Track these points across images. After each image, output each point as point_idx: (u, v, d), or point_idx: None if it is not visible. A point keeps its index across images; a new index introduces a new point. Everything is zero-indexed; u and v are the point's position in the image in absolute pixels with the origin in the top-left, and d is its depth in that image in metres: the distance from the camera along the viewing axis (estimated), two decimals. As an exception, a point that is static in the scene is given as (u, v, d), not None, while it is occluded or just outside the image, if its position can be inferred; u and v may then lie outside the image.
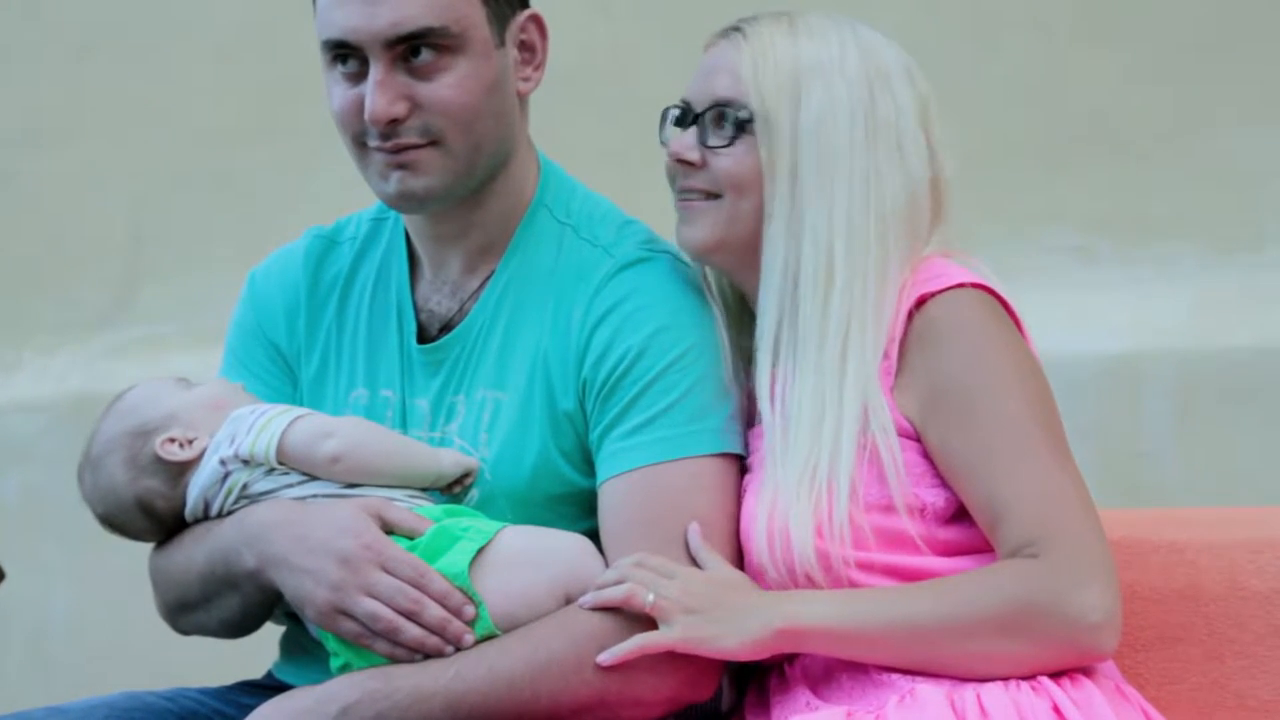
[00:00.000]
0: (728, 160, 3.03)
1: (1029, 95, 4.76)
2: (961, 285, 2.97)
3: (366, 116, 3.03)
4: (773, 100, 3.01)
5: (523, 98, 3.16)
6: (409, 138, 3.05)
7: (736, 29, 3.06)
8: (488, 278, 3.18)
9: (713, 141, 3.04)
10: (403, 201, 3.10)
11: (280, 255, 3.34)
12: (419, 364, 3.18)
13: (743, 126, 3.02)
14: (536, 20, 3.16)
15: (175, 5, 5.52)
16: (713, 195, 3.05)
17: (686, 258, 3.14)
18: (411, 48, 3.02)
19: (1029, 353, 2.99)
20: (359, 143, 3.09)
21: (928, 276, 2.99)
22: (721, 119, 3.03)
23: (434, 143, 3.06)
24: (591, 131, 4.78)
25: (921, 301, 2.97)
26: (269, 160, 5.37)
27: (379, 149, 3.06)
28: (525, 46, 3.15)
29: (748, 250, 3.05)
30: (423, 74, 3.04)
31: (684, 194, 3.07)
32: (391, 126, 3.04)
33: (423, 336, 3.20)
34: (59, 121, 5.60)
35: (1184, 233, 4.67)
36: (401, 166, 3.06)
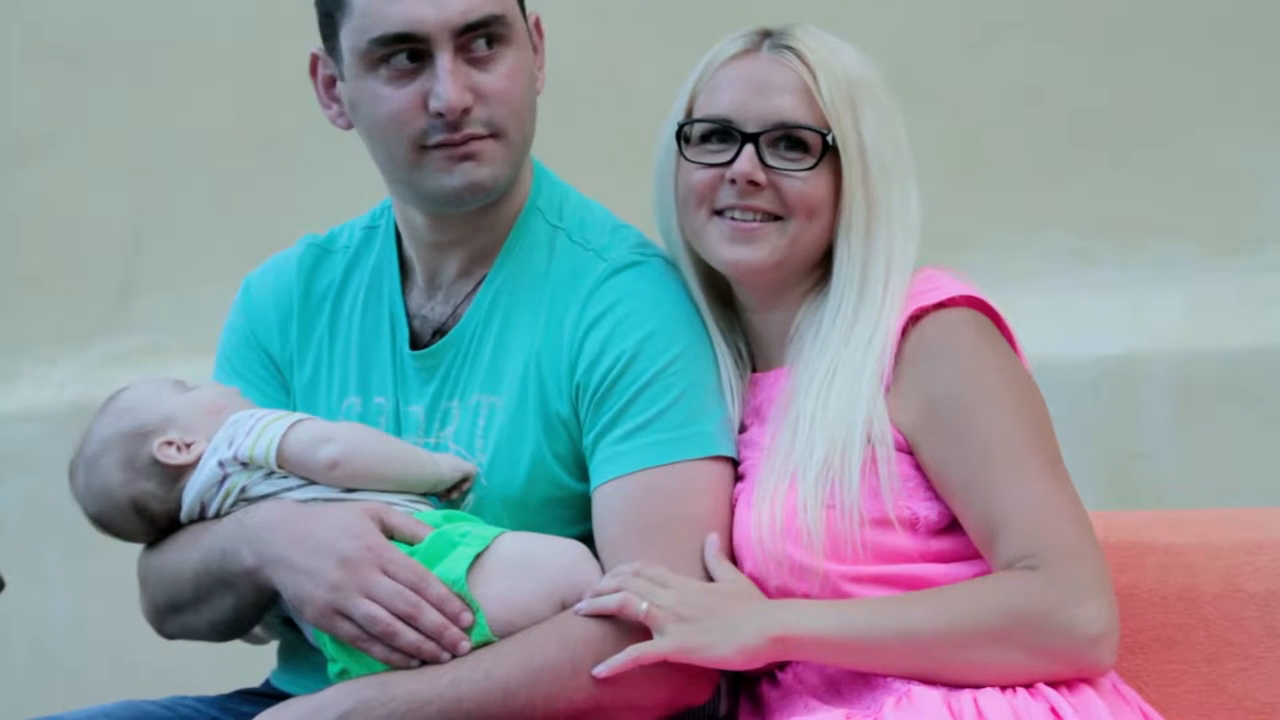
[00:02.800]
0: (803, 184, 2.99)
1: (1027, 98, 4.76)
2: (955, 301, 2.97)
3: (440, 107, 3.01)
4: (847, 121, 2.99)
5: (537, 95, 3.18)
6: (474, 128, 3.05)
7: (786, 46, 3.01)
8: (480, 282, 3.17)
9: (782, 164, 2.99)
10: (469, 193, 3.08)
11: (274, 263, 3.34)
12: (412, 370, 3.18)
13: (821, 149, 2.99)
14: (536, 22, 3.19)
15: (173, 13, 5.51)
16: (775, 216, 3.01)
17: (681, 264, 3.13)
18: (473, 38, 3.03)
19: (1022, 369, 3.00)
20: (417, 146, 3.06)
21: (923, 288, 2.99)
22: (794, 142, 3.00)
23: (494, 135, 3.06)
24: (588, 137, 4.78)
25: (917, 316, 2.96)
26: (268, 168, 5.37)
27: (443, 143, 3.05)
28: (533, 48, 3.17)
29: (800, 268, 3.04)
30: (481, 64, 3.05)
31: (742, 214, 3.01)
32: (463, 116, 3.03)
33: (416, 343, 3.20)
34: (57, 129, 5.60)
35: (1182, 235, 4.67)
36: (467, 158, 3.05)
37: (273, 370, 3.29)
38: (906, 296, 2.99)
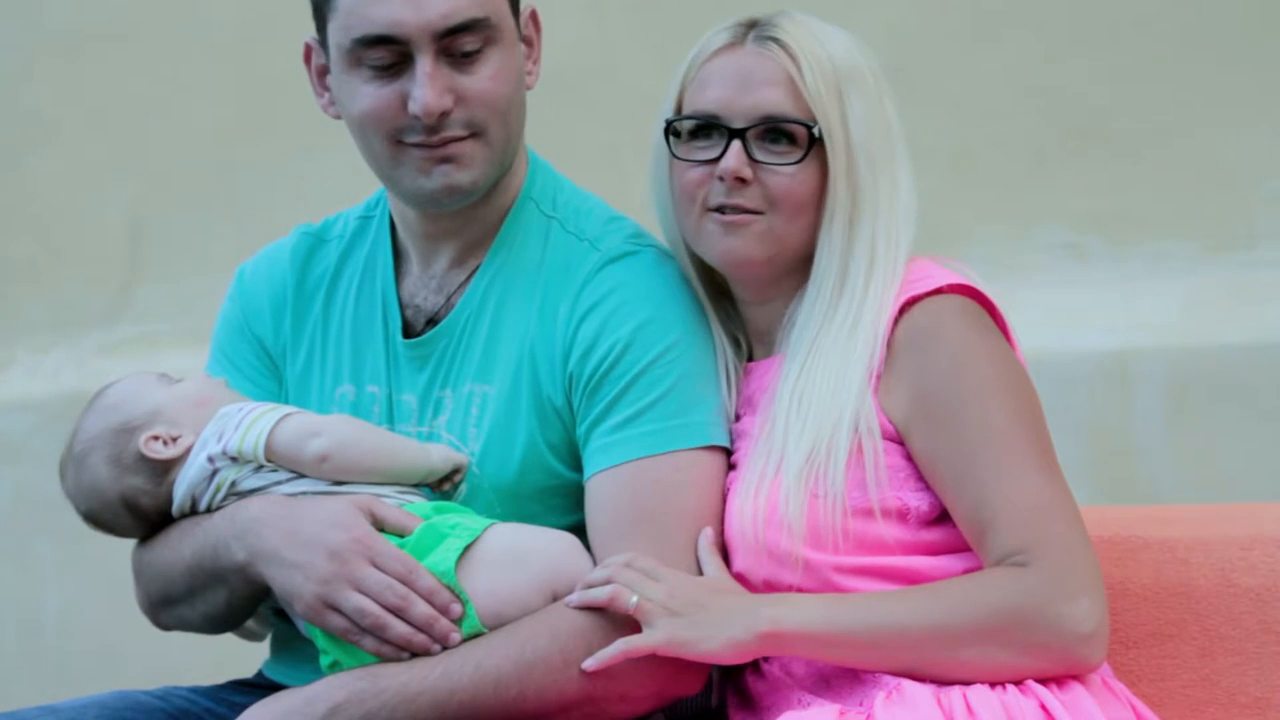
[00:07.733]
0: (787, 178, 2.98)
1: (1022, 94, 4.76)
2: (948, 289, 2.96)
3: (418, 110, 3.02)
4: (834, 112, 2.97)
5: (528, 90, 3.17)
6: (453, 131, 3.05)
7: (770, 38, 3.00)
8: (473, 271, 3.18)
9: (768, 158, 2.98)
10: (447, 196, 3.09)
11: (268, 252, 3.35)
12: (405, 359, 3.18)
13: (808, 142, 2.97)
14: (534, 15, 3.19)
15: (171, 4, 5.52)
16: (759, 211, 3.00)
17: (680, 257, 3.13)
18: (455, 40, 3.03)
19: (1015, 360, 2.98)
20: (394, 141, 3.07)
21: (915, 278, 2.98)
22: (780, 135, 2.98)
23: (475, 135, 3.06)
24: (584, 129, 4.78)
25: (908, 305, 2.95)
26: (264, 159, 5.37)
27: (420, 144, 3.06)
28: (526, 41, 3.17)
29: (790, 261, 3.02)
30: (463, 66, 3.04)
31: (729, 210, 3.00)
32: (440, 120, 3.04)
33: (409, 332, 3.20)
34: (54, 120, 5.61)
35: (1175, 231, 4.67)
36: (446, 160, 3.06)
37: (266, 360, 3.29)
38: (898, 286, 2.98)
